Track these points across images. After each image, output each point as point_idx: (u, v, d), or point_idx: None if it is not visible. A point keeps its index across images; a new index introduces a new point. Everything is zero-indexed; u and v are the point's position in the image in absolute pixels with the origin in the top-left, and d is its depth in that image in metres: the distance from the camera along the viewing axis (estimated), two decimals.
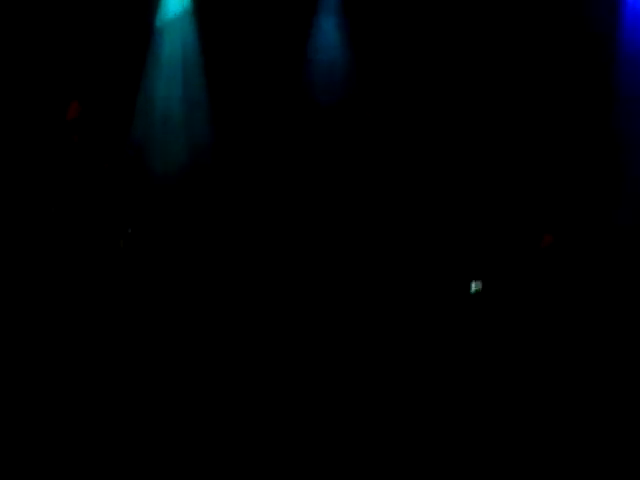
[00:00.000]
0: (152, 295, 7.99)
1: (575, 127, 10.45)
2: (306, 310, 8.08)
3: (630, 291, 9.11)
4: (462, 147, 10.69)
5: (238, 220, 10.29)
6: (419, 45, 10.85)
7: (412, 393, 6.33)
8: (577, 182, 10.32)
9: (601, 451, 5.37)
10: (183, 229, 9.95)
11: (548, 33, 10.48)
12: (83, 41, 10.40)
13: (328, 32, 11.08)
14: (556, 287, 9.02)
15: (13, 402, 5.49)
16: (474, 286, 9.00)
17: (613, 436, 5.61)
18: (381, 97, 10.85)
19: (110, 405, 5.61)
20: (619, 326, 8.19)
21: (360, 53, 10.98)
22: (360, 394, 6.33)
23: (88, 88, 10.18)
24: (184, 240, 9.72)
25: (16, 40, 10.24)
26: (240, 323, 7.26)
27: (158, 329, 7.02)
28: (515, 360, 7.00)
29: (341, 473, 5.09)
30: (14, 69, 10.24)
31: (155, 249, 9.41)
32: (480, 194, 10.50)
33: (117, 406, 5.61)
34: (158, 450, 5.18)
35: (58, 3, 10.29)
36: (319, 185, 10.61)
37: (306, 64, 11.01)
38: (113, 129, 10.17)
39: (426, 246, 10.04)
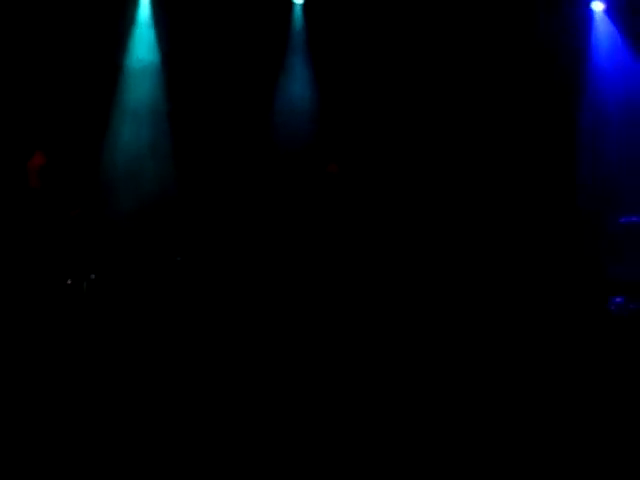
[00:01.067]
0: (115, 340, 7.86)
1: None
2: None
3: None
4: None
5: (203, 264, 10.22)
6: (387, 91, 10.94)
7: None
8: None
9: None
10: (147, 273, 9.86)
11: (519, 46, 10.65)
12: (48, 88, 10.33)
13: (296, 80, 11.14)
14: None
15: None
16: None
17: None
18: (347, 142, 10.90)
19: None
20: None
21: (327, 100, 11.05)
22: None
23: (53, 137, 10.09)
24: (148, 285, 9.63)
25: None
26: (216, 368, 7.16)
27: (124, 376, 6.89)
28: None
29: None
30: None
31: (118, 294, 9.31)
32: None
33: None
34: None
35: (23, 51, 10.23)
36: (287, 227, 10.61)
37: (274, 112, 11.05)
38: (79, 176, 10.10)
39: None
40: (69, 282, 8.94)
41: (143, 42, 10.93)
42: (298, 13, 11.21)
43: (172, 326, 8.31)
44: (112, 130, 10.74)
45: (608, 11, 10.60)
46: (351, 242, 10.41)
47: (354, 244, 10.42)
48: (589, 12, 10.57)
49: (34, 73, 10.27)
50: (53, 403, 6.10)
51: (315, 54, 11.12)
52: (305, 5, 11.12)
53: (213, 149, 10.86)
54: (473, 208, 10.72)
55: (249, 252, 10.43)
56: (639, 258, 10.23)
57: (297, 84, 11.16)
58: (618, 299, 9.24)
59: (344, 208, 10.51)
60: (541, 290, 9.78)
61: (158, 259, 10.04)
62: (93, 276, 9.11)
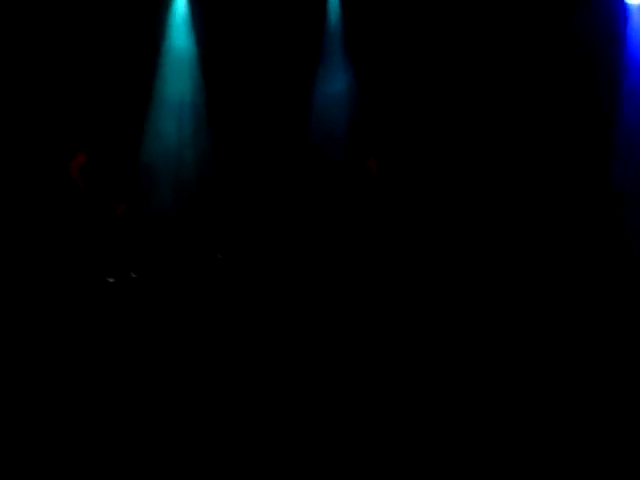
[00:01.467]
0: (152, 339, 8.08)
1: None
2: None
3: None
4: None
5: (242, 260, 10.38)
6: (426, 85, 10.98)
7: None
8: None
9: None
10: (188, 272, 10.04)
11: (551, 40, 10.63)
12: (86, 88, 10.49)
13: (333, 72, 11.21)
14: None
15: None
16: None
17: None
18: (385, 137, 10.98)
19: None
20: None
21: (365, 93, 11.11)
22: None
23: (94, 135, 10.27)
24: (189, 284, 9.81)
25: (20, 88, 10.34)
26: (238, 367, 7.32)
27: (160, 375, 7.09)
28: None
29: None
30: (19, 119, 10.33)
31: (159, 293, 9.51)
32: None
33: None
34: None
35: (63, 53, 10.38)
36: (316, 229, 10.74)
37: (311, 106, 11.15)
38: (122, 173, 10.29)
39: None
40: (111, 280, 9.17)
41: (180, 35, 11.05)
42: (335, 5, 11.26)
43: (210, 326, 8.49)
44: (151, 126, 10.91)
45: None
46: (387, 235, 10.53)
47: (390, 237, 10.54)
48: (624, 6, 10.53)
49: (74, 73, 10.45)
50: (92, 399, 6.32)
51: (352, 46, 11.17)
52: None
53: (251, 144, 11.00)
54: (513, 200, 10.78)
55: (285, 248, 10.59)
56: None
57: (334, 76, 11.23)
58: None
59: (381, 203, 10.62)
60: (581, 280, 9.87)
61: (199, 257, 10.22)
62: (134, 275, 9.31)
